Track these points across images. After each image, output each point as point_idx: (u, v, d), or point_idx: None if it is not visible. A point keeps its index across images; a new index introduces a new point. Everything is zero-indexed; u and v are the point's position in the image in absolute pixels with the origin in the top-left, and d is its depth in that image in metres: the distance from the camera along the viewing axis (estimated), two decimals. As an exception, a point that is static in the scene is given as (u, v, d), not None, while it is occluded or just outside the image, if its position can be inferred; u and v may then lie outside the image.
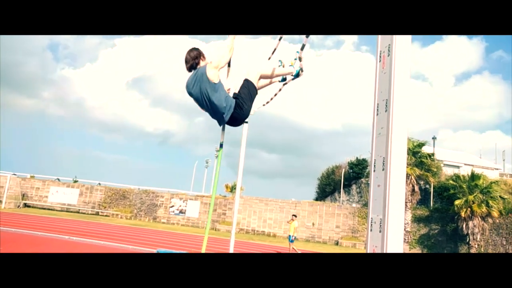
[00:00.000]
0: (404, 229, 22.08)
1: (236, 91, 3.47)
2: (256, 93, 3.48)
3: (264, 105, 5.69)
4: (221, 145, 4.66)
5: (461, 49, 78.42)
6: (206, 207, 27.91)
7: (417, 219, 23.17)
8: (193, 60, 3.37)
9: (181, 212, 28.11)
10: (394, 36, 1.65)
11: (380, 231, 1.54)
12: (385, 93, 1.67)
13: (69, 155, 74.14)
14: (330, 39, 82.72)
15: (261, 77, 3.57)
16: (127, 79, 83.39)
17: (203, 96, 3.30)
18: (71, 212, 28.05)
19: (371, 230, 1.63)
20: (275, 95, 4.88)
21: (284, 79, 3.95)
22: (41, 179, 30.25)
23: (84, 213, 28.02)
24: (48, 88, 79.41)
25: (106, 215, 28.13)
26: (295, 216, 15.03)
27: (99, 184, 30.74)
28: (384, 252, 1.48)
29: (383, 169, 1.59)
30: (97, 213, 28.63)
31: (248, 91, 3.37)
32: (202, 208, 27.89)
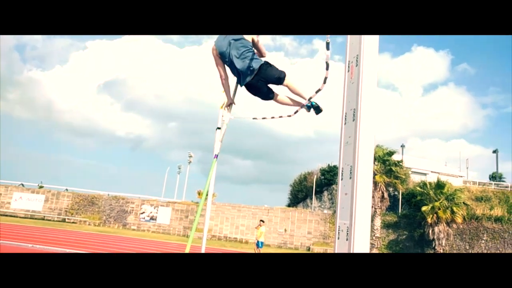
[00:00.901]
0: (374, 235, 22.54)
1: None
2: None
3: (254, 118, 5.63)
4: (216, 156, 4.74)
5: (428, 61, 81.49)
6: (178, 213, 27.49)
7: (386, 225, 23.72)
8: None
9: (152, 218, 27.56)
10: (362, 46, 1.69)
11: (347, 239, 1.56)
12: (352, 103, 1.70)
13: (35, 160, 71.32)
14: (304, 48, 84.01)
15: (290, 88, 3.54)
16: (98, 83, 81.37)
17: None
18: (36, 219, 26.89)
19: (338, 238, 1.64)
20: (272, 117, 4.75)
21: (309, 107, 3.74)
22: (3, 184, 28.89)
23: (49, 220, 26.94)
24: (14, 90, 76.31)
25: (73, 222, 27.17)
26: (263, 221, 15.18)
27: (66, 190, 29.71)
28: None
29: (350, 178, 1.61)
30: (64, 220, 27.61)
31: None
32: (173, 215, 27.45)
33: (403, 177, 23.06)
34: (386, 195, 22.46)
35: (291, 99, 3.77)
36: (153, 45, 77.80)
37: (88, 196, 29.13)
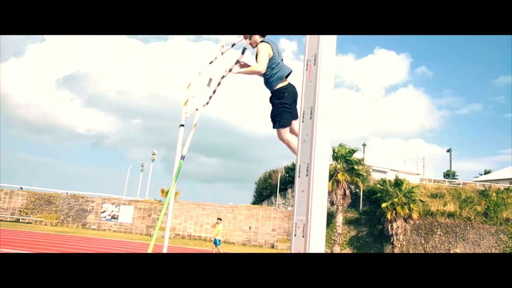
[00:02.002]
0: (336, 231, 23.11)
1: None
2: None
3: (204, 105, 5.61)
4: (182, 157, 4.90)
5: (390, 63, 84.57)
6: (140, 212, 26.87)
7: (348, 222, 24.38)
8: None
9: (113, 217, 26.76)
10: (320, 45, 1.71)
11: (303, 236, 1.57)
12: (310, 101, 1.72)
13: (-14, 157, 67.11)
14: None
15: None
16: (57, 77, 77.81)
17: None
18: (-14, 219, 25.37)
19: (295, 234, 1.66)
20: (214, 92, 4.84)
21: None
22: (-51, 182, 27.02)
23: (2, 220, 25.49)
24: (-37, 82, 71.35)
25: (28, 222, 25.87)
26: (220, 219, 15.23)
27: (21, 188, 28.23)
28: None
29: (307, 175, 1.62)
30: (18, 220, 26.23)
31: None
32: (136, 214, 26.81)
33: (364, 175, 23.79)
34: (348, 192, 23.08)
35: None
36: (116, 39, 75.47)
37: (45, 195, 27.84)
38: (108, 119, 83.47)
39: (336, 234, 23.14)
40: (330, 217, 24.67)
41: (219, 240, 14.25)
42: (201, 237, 25.53)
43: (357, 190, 25.66)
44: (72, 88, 78.05)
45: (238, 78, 4.23)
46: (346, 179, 22.76)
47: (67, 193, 28.26)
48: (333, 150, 23.99)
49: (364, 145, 32.20)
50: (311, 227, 1.52)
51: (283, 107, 3.61)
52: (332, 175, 23.19)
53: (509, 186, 25.86)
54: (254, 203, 32.23)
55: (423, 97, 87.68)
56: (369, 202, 24.96)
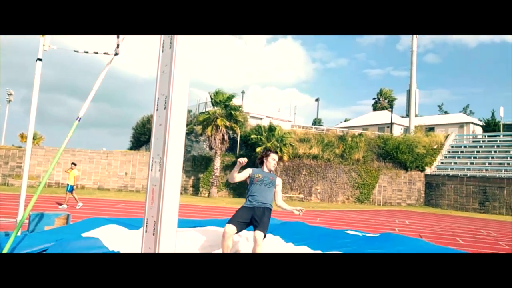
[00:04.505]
0: (214, 174, 23.95)
1: None
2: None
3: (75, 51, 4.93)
4: (78, 118, 4.77)
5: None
6: (-7, 160, 23.38)
7: (225, 165, 25.41)
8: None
9: (-44, 167, 22.72)
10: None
11: (159, 170, 1.54)
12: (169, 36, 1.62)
13: None
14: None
15: None
16: None
17: None
18: None
19: (151, 169, 1.61)
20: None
21: None
22: None
23: None
24: None
25: None
26: (75, 164, 14.26)
27: None
28: (163, 188, 1.49)
29: (165, 108, 1.56)
30: None
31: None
32: (-13, 161, 23.24)
33: (242, 121, 24.70)
34: (226, 137, 23.81)
35: None
36: None
37: None
38: None
39: (214, 177, 24.00)
40: (209, 161, 25.31)
41: (71, 186, 13.38)
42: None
43: (235, 135, 26.68)
44: None
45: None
46: (225, 125, 23.34)
47: None
48: (212, 96, 24.10)
49: (243, 92, 33.14)
50: (167, 159, 1.49)
51: None
52: (212, 121, 23.50)
53: (361, 132, 30.04)
54: (131, 149, 30.95)
55: (299, 49, 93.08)
56: (245, 147, 26.27)
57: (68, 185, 13.36)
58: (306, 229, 6.09)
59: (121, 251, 3.84)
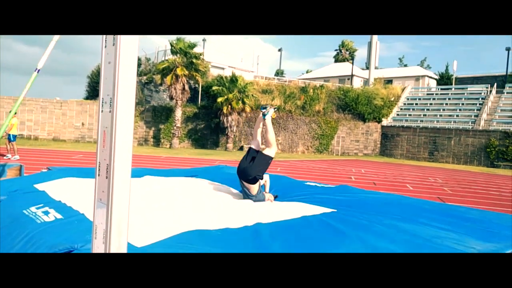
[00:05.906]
0: (175, 125, 23.61)
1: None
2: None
3: None
4: (37, 70, 4.90)
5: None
6: None
7: (187, 116, 25.05)
8: None
9: None
10: None
11: (110, 111, 1.47)
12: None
13: None
14: None
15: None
16: None
17: None
18: None
19: (102, 110, 1.54)
20: None
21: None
22: None
23: None
24: None
25: None
26: (15, 113, 13.41)
27: None
28: (114, 130, 1.43)
29: (113, 44, 1.46)
30: None
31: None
32: None
33: (203, 70, 24.05)
34: (187, 87, 23.22)
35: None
36: None
37: None
38: None
39: (175, 128, 23.67)
40: (170, 111, 24.79)
41: (14, 136, 12.70)
42: (24, 135, 22.56)
43: (196, 86, 26.09)
44: None
45: None
46: (185, 74, 22.67)
47: None
48: (172, 44, 23.09)
49: (204, 40, 31.96)
50: (117, 100, 1.42)
51: None
52: (171, 70, 22.71)
53: (323, 84, 30.35)
54: (87, 98, 29.55)
55: None
56: (207, 97, 25.85)
57: (10, 134, 12.53)
58: (270, 178, 6.25)
59: (67, 203, 3.72)
